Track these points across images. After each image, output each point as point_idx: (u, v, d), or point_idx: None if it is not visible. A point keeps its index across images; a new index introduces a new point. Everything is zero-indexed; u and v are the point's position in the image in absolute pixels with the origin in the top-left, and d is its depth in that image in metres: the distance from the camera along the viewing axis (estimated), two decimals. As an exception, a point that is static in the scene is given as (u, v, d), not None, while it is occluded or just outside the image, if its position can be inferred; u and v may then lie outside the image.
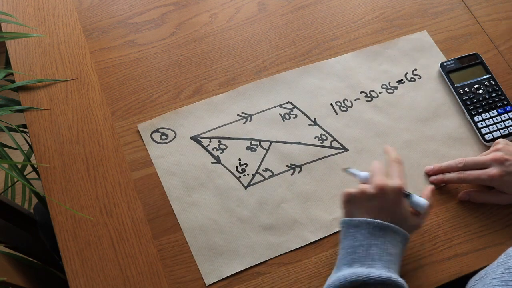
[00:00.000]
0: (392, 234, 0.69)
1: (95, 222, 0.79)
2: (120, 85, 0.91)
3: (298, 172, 0.84)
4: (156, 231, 0.79)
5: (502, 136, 0.86)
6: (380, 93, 0.92)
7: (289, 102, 0.90)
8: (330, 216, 0.80)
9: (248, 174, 0.83)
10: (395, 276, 0.66)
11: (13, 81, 0.97)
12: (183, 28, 0.98)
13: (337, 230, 0.80)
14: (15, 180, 1.25)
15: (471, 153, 0.87)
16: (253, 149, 0.86)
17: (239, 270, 0.76)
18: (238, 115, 0.89)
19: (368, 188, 0.72)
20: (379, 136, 0.88)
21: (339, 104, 0.91)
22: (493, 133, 0.87)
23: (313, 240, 0.79)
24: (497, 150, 0.80)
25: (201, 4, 1.01)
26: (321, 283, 0.76)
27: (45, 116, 0.88)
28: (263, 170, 0.84)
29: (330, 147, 0.87)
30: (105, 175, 0.83)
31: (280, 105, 0.90)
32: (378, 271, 0.65)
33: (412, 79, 0.93)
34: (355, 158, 0.85)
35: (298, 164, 0.85)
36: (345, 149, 0.86)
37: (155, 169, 0.84)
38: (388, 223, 0.69)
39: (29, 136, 0.87)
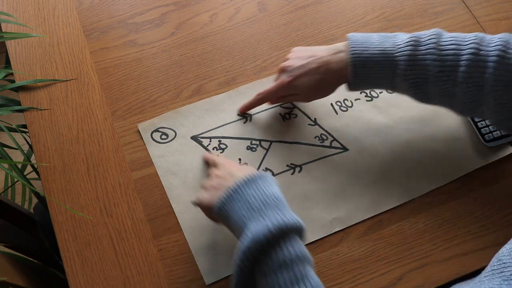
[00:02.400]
0: (260, 180, 0.69)
1: (95, 222, 0.79)
2: (120, 85, 0.91)
3: (298, 172, 0.84)
4: (156, 231, 0.79)
5: (502, 136, 0.86)
6: (380, 92, 0.92)
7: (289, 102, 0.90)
8: (330, 216, 0.80)
9: (248, 174, 0.83)
10: (289, 217, 0.64)
11: (13, 81, 0.97)
12: (183, 28, 0.98)
13: (337, 230, 0.80)
14: (15, 180, 1.25)
15: (471, 153, 0.87)
16: (253, 149, 0.86)
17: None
18: (238, 114, 0.89)
19: (206, 182, 0.74)
20: (379, 136, 0.88)
21: (339, 104, 0.91)
22: (493, 133, 0.87)
23: (313, 240, 0.79)
24: (286, 59, 0.84)
25: (201, 4, 1.01)
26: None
27: (45, 116, 0.88)
28: (263, 169, 0.84)
29: (330, 147, 0.87)
30: (105, 175, 0.83)
31: (280, 105, 0.90)
32: (270, 219, 0.63)
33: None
34: (355, 158, 0.85)
35: (298, 164, 0.85)
36: (345, 149, 0.86)
37: (155, 169, 0.84)
38: (250, 174, 0.69)
39: (29, 136, 0.87)
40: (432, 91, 0.76)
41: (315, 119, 0.89)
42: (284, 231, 0.63)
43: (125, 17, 0.98)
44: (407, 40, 0.76)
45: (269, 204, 0.66)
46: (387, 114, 0.90)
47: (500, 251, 0.59)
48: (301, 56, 0.82)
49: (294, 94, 0.84)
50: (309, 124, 0.88)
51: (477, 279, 0.61)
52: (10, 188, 1.26)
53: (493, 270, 0.58)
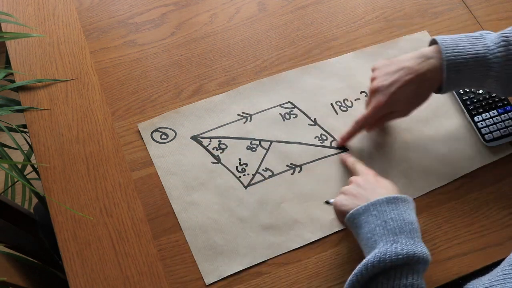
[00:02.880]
0: (401, 203, 0.69)
1: (95, 222, 0.79)
2: (120, 85, 0.91)
3: (298, 172, 0.84)
4: (156, 231, 0.79)
5: (502, 136, 0.86)
6: (380, 93, 0.92)
7: (289, 102, 0.90)
8: (330, 216, 0.80)
9: (248, 174, 0.83)
10: (420, 249, 0.65)
11: (13, 81, 0.97)
12: (183, 28, 0.98)
13: (337, 230, 0.80)
14: (15, 180, 1.25)
15: (471, 153, 0.87)
16: (253, 149, 0.86)
17: (239, 270, 0.76)
18: (238, 114, 0.89)
19: (347, 187, 0.75)
20: (379, 136, 0.87)
21: (340, 104, 0.91)
22: (493, 133, 0.87)
23: (313, 240, 0.79)
24: (373, 79, 0.82)
25: (201, 4, 1.01)
26: (321, 283, 0.76)
27: (45, 116, 0.88)
28: (263, 169, 0.84)
29: (330, 147, 0.87)
30: (105, 175, 0.83)
31: (280, 105, 0.90)
32: (402, 246, 0.64)
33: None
34: (355, 158, 0.85)
35: (298, 164, 0.85)
36: (345, 149, 0.86)
37: (155, 169, 0.84)
38: (394, 194, 0.70)
39: (29, 136, 0.87)
40: None
41: (315, 119, 0.89)
42: (410, 260, 0.64)
43: (125, 17, 0.98)
44: (497, 41, 0.76)
45: (404, 229, 0.66)
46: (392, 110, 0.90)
47: (511, 255, 0.59)
48: (388, 71, 0.80)
49: (393, 113, 0.83)
50: (309, 124, 0.88)
51: (485, 279, 0.61)
52: (10, 188, 1.26)
53: (505, 274, 0.58)
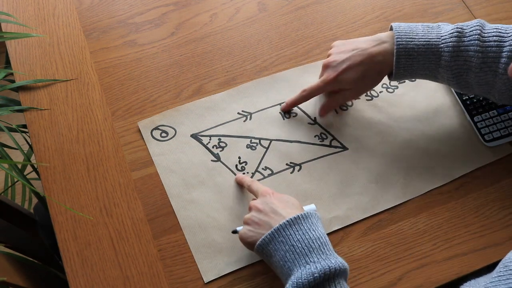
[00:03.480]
0: (304, 221, 0.68)
1: (95, 222, 0.79)
2: (120, 85, 0.91)
3: (298, 171, 0.84)
4: (156, 231, 0.79)
5: (502, 136, 0.86)
6: (380, 92, 0.92)
7: (289, 101, 0.91)
8: (329, 215, 0.80)
9: (247, 172, 0.83)
10: (334, 261, 0.65)
11: (13, 81, 0.97)
12: (183, 28, 0.98)
13: (336, 228, 0.80)
14: (15, 180, 1.25)
15: (471, 153, 0.87)
16: (253, 147, 0.86)
17: (238, 268, 0.76)
18: (238, 113, 0.89)
19: (248, 214, 0.73)
20: (379, 135, 0.88)
21: (339, 104, 0.91)
22: (493, 133, 0.87)
23: (313, 240, 0.79)
24: (329, 55, 0.85)
25: (201, 4, 1.01)
26: (321, 283, 0.76)
27: (45, 116, 0.88)
28: (262, 168, 0.84)
29: (330, 146, 0.87)
30: (105, 175, 0.83)
31: (280, 104, 0.90)
32: (315, 265, 0.64)
33: (413, 79, 0.93)
34: (354, 157, 0.85)
35: (297, 163, 0.85)
36: (344, 148, 0.86)
37: (155, 169, 0.84)
38: (293, 216, 0.69)
39: (29, 136, 0.87)
40: (473, 80, 0.78)
41: (315, 118, 0.89)
42: (328, 275, 0.64)
43: (125, 17, 0.98)
44: (451, 32, 0.77)
45: (313, 247, 0.66)
46: (387, 114, 0.90)
47: (506, 257, 0.60)
48: (344, 50, 0.83)
49: (343, 91, 0.85)
50: (309, 123, 0.88)
51: (481, 280, 0.61)
52: (10, 188, 1.26)
53: (500, 276, 0.58)
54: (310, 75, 0.93)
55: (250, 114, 0.89)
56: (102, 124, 0.87)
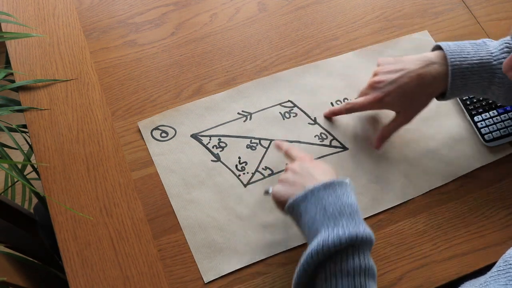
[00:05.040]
0: (339, 187, 0.68)
1: (95, 222, 0.79)
2: (120, 85, 0.91)
3: (298, 171, 0.84)
4: (156, 231, 0.79)
5: (502, 136, 0.86)
6: (380, 93, 0.92)
7: (289, 100, 0.90)
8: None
9: (247, 172, 0.83)
10: (362, 229, 0.64)
11: (13, 81, 0.97)
12: (183, 28, 0.98)
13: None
14: (15, 180, 1.25)
15: (471, 153, 0.87)
16: (253, 148, 0.86)
17: (238, 268, 0.76)
18: (238, 113, 0.89)
19: (284, 174, 0.74)
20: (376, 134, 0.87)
21: (340, 103, 0.91)
22: (493, 133, 0.87)
23: (313, 240, 0.79)
24: (375, 74, 0.83)
25: (201, 4, 1.01)
26: (321, 283, 0.76)
27: (45, 116, 0.88)
28: (262, 168, 0.84)
29: (330, 146, 0.87)
30: (105, 175, 0.83)
31: (280, 104, 0.90)
32: (344, 229, 0.63)
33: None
34: (354, 157, 0.85)
35: (298, 164, 0.85)
36: (344, 148, 0.86)
37: (155, 169, 0.84)
38: (330, 179, 0.68)
39: (29, 136, 0.87)
40: None
41: (315, 118, 0.89)
42: (354, 242, 0.63)
43: (125, 17, 0.98)
44: (501, 48, 0.77)
45: (344, 213, 0.65)
46: (387, 114, 0.90)
47: (507, 253, 0.60)
48: (391, 70, 0.80)
49: (394, 120, 0.83)
50: (309, 123, 0.88)
51: (482, 279, 0.62)
52: (10, 188, 1.26)
53: (499, 271, 0.58)
54: (310, 75, 0.93)
55: (250, 114, 0.89)
56: (102, 124, 0.87)
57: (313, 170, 0.72)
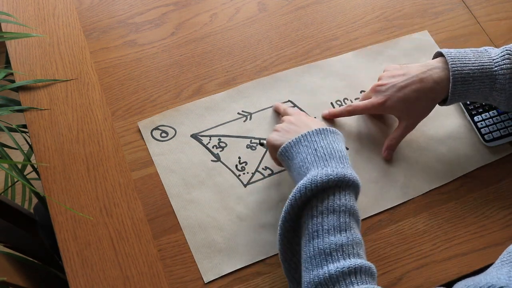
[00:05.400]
0: (330, 134, 0.72)
1: (95, 222, 0.79)
2: (120, 85, 0.91)
3: (298, 171, 0.84)
4: (156, 231, 0.79)
5: (502, 136, 0.86)
6: (380, 93, 0.92)
7: (289, 100, 0.90)
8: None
9: (247, 173, 0.83)
10: (350, 172, 0.67)
11: (13, 81, 0.97)
12: (183, 28, 0.98)
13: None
14: (15, 180, 1.25)
15: (471, 153, 0.87)
16: (253, 148, 0.86)
17: (238, 268, 0.76)
18: (238, 113, 0.89)
19: (279, 124, 0.77)
20: (379, 135, 0.87)
21: (340, 103, 0.91)
22: (493, 133, 0.87)
23: (313, 240, 0.79)
24: (379, 79, 0.84)
25: (201, 4, 1.01)
26: (321, 283, 0.75)
27: (45, 116, 0.88)
28: (262, 168, 0.84)
29: (330, 146, 0.87)
30: (105, 175, 0.83)
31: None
32: (333, 169, 0.66)
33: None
34: (354, 157, 0.85)
35: (298, 164, 0.85)
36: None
37: (155, 169, 0.84)
38: (323, 127, 0.72)
39: (29, 136, 0.87)
40: None
41: (315, 118, 0.89)
42: (342, 182, 0.66)
43: (125, 17, 0.98)
44: (502, 54, 0.77)
45: (334, 156, 0.69)
46: (387, 114, 0.90)
47: (510, 246, 0.61)
48: (394, 74, 0.82)
49: (397, 127, 0.83)
50: (281, 116, 0.88)
51: (484, 272, 0.62)
52: (10, 188, 1.26)
53: (503, 261, 0.59)
54: (310, 75, 0.93)
55: (250, 114, 0.89)
56: (102, 124, 0.87)
57: (308, 121, 0.76)
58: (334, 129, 0.73)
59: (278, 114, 0.88)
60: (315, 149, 0.69)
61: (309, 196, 0.65)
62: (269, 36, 0.97)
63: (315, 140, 0.70)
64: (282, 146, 0.72)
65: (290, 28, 0.99)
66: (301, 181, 0.66)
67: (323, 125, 0.75)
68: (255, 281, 0.76)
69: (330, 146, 0.70)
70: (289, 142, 0.72)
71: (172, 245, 0.78)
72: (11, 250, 1.08)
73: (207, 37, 0.97)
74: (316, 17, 1.00)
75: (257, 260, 0.77)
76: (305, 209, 0.66)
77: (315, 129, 0.71)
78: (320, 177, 0.65)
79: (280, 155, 0.73)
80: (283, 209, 0.67)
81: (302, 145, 0.70)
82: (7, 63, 1.02)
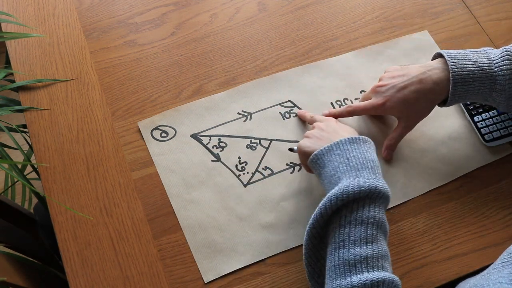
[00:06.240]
0: (363, 143, 0.72)
1: (95, 222, 0.79)
2: (120, 85, 0.91)
3: (298, 171, 0.84)
4: (156, 231, 0.79)
5: (502, 136, 0.86)
6: (380, 93, 0.92)
7: (289, 100, 0.90)
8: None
9: (247, 172, 0.84)
10: (381, 184, 0.67)
11: (13, 81, 0.97)
12: (183, 28, 0.98)
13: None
14: (15, 180, 1.25)
15: (471, 153, 0.87)
16: (253, 148, 0.86)
17: (238, 268, 0.76)
18: (238, 113, 0.89)
19: (310, 131, 0.77)
20: (378, 136, 0.87)
21: (340, 103, 0.91)
22: (493, 133, 0.87)
23: (313, 240, 0.79)
24: (379, 80, 0.84)
25: (201, 4, 1.01)
26: (321, 283, 0.76)
27: (45, 116, 0.88)
28: (262, 168, 0.84)
29: (330, 146, 0.87)
30: (105, 175, 0.83)
31: (280, 104, 0.90)
32: (364, 180, 0.66)
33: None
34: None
35: (297, 163, 0.85)
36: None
37: (155, 169, 0.84)
38: (357, 135, 0.72)
39: (29, 136, 0.87)
40: None
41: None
42: (373, 193, 0.66)
43: (125, 17, 0.98)
44: (501, 55, 0.77)
45: (366, 166, 0.68)
46: (387, 115, 0.90)
47: (511, 246, 0.61)
48: (394, 75, 0.82)
49: (396, 128, 0.83)
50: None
51: (485, 272, 0.62)
52: (10, 188, 1.26)
53: (503, 262, 0.59)
54: (310, 75, 0.93)
55: (250, 114, 0.89)
56: (102, 124, 0.87)
57: (339, 128, 0.76)
58: (366, 137, 0.73)
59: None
60: (348, 158, 0.69)
61: (339, 206, 0.65)
62: (269, 36, 0.97)
63: (348, 149, 0.70)
64: (314, 153, 0.72)
65: (290, 28, 0.99)
66: (333, 190, 0.66)
67: (353, 132, 0.75)
68: (255, 281, 0.76)
69: (362, 155, 0.69)
70: (321, 150, 0.71)
71: (172, 245, 0.78)
72: (11, 250, 1.08)
73: (207, 37, 0.97)
74: (316, 17, 1.00)
75: (257, 260, 0.77)
76: (334, 218, 0.66)
77: (348, 138, 0.71)
78: (352, 188, 0.65)
79: (312, 162, 0.73)
80: (312, 216, 0.67)
81: (334, 154, 0.70)
82: (7, 63, 1.02)
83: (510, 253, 0.60)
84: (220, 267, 0.76)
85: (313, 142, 0.75)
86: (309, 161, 0.73)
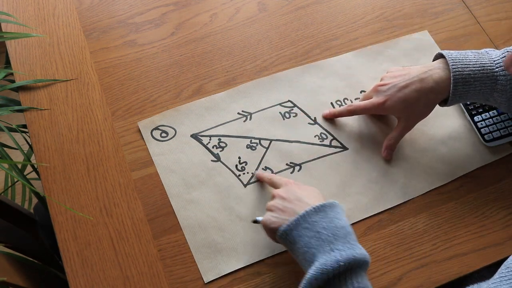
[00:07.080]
0: (329, 210, 0.68)
1: (95, 222, 0.79)
2: (120, 85, 0.91)
3: (298, 171, 0.84)
4: (156, 231, 0.79)
5: (502, 136, 0.86)
6: (380, 93, 0.92)
7: (289, 100, 0.90)
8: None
9: (247, 172, 0.83)
10: (359, 251, 0.65)
11: (13, 81, 0.97)
12: (183, 28, 0.98)
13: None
14: (15, 180, 1.25)
15: (471, 153, 0.87)
16: (253, 148, 0.86)
17: (238, 268, 0.76)
18: (238, 113, 0.89)
19: (271, 202, 0.73)
20: (379, 135, 0.87)
21: (340, 103, 0.91)
22: (493, 133, 0.87)
23: (313, 240, 0.79)
24: (381, 79, 0.84)
25: (201, 4, 1.01)
26: (321, 283, 0.76)
27: (45, 116, 0.88)
28: (263, 168, 0.84)
29: (330, 146, 0.87)
30: (105, 175, 0.83)
31: (280, 104, 0.90)
32: (341, 253, 0.64)
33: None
34: (354, 157, 0.85)
35: (297, 163, 0.85)
36: (344, 148, 0.86)
37: (155, 169, 0.84)
38: (320, 203, 0.68)
39: (29, 136, 0.87)
40: None
41: (315, 118, 0.89)
42: (352, 265, 0.64)
43: (125, 17, 0.98)
44: (503, 56, 0.77)
45: (338, 236, 0.66)
46: (388, 114, 0.90)
47: (509, 259, 0.60)
48: (395, 75, 0.82)
49: (396, 127, 0.83)
50: (309, 123, 0.88)
51: (484, 285, 0.62)
52: (10, 188, 1.26)
53: (502, 277, 0.58)
54: (310, 75, 0.93)
55: (250, 114, 0.89)
56: (102, 124, 0.87)
57: (301, 194, 0.72)
58: (331, 201, 0.70)
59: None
60: (318, 232, 0.66)
61: (320, 286, 0.63)
62: (269, 36, 0.97)
63: (316, 221, 0.67)
64: (281, 229, 0.68)
65: (290, 28, 0.99)
66: (310, 271, 0.64)
67: (317, 194, 0.72)
68: (255, 281, 0.76)
69: (332, 224, 0.66)
70: (288, 225, 0.68)
71: (172, 245, 0.78)
72: (11, 250, 1.08)
73: (207, 37, 0.97)
74: (316, 17, 1.00)
75: (257, 260, 0.77)
76: None
77: (313, 207, 0.68)
78: (331, 265, 0.63)
79: (281, 238, 0.70)
80: None
81: (302, 228, 0.67)
82: (7, 63, 1.02)
83: (508, 267, 0.59)
84: (220, 267, 0.76)
85: (277, 216, 0.70)
86: (278, 238, 0.70)
